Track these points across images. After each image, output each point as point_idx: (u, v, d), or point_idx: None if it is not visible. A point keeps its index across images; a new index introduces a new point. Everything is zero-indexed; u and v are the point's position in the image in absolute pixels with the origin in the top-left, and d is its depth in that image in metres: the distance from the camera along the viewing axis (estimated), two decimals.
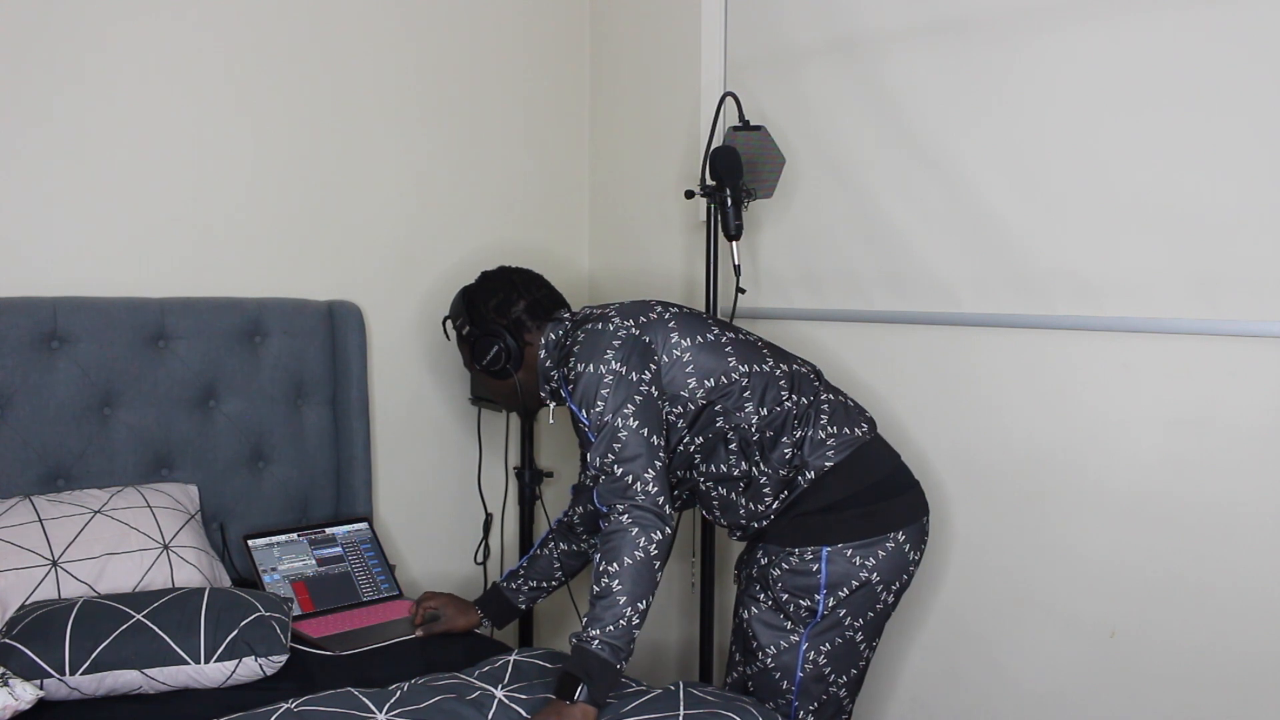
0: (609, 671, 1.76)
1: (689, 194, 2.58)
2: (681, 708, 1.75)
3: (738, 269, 2.45)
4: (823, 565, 1.91)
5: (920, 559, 2.02)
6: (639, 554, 1.79)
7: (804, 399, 1.99)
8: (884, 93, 2.49)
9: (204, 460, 2.51)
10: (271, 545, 2.48)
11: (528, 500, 3.01)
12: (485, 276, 2.21)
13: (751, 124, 2.51)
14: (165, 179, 2.54)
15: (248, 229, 2.67)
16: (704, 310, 2.10)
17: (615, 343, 1.93)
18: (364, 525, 2.64)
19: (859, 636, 1.95)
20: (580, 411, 1.92)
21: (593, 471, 1.90)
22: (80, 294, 2.40)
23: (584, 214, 3.32)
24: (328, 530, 2.58)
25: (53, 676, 1.85)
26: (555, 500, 3.26)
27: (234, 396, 2.56)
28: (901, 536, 1.94)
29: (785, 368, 2.02)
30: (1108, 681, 2.23)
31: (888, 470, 2.01)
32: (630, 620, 1.78)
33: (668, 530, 1.83)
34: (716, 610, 2.72)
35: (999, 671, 2.40)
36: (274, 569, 2.44)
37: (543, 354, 2.11)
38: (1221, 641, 2.07)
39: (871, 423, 2.07)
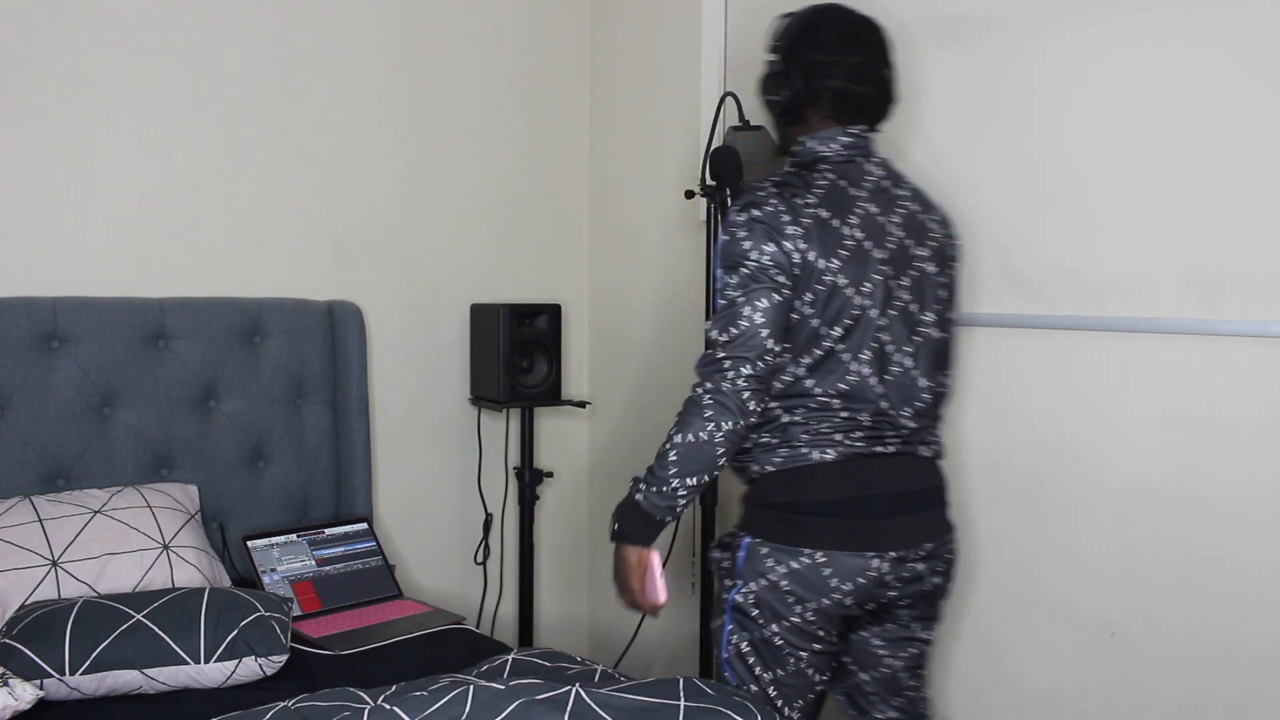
0: (646, 519, 1.85)
1: (689, 194, 2.58)
2: (682, 698, 1.75)
3: None
4: (741, 553, 1.88)
5: (849, 602, 1.85)
6: (703, 435, 1.79)
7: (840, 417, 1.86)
8: None
9: (204, 460, 2.51)
10: (271, 546, 2.49)
11: (528, 500, 3.01)
12: (823, 29, 1.92)
13: (751, 124, 2.51)
14: (165, 179, 2.54)
15: (248, 229, 2.67)
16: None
17: (798, 229, 1.81)
18: (364, 525, 2.64)
19: (778, 640, 1.87)
20: (718, 260, 1.87)
21: (705, 336, 1.87)
22: (80, 294, 2.41)
23: (584, 214, 3.32)
24: (327, 531, 2.58)
25: (53, 676, 1.85)
26: (554, 500, 3.27)
27: (234, 396, 2.56)
28: (821, 557, 1.83)
29: (862, 411, 1.85)
30: (1108, 681, 2.23)
31: (848, 494, 1.87)
32: (676, 491, 1.82)
33: (741, 424, 1.80)
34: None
35: (999, 670, 2.40)
36: (273, 569, 2.44)
37: (790, 159, 1.95)
38: (1222, 641, 2.07)
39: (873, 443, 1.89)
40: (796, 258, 1.80)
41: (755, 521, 1.89)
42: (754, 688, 1.92)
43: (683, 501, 1.84)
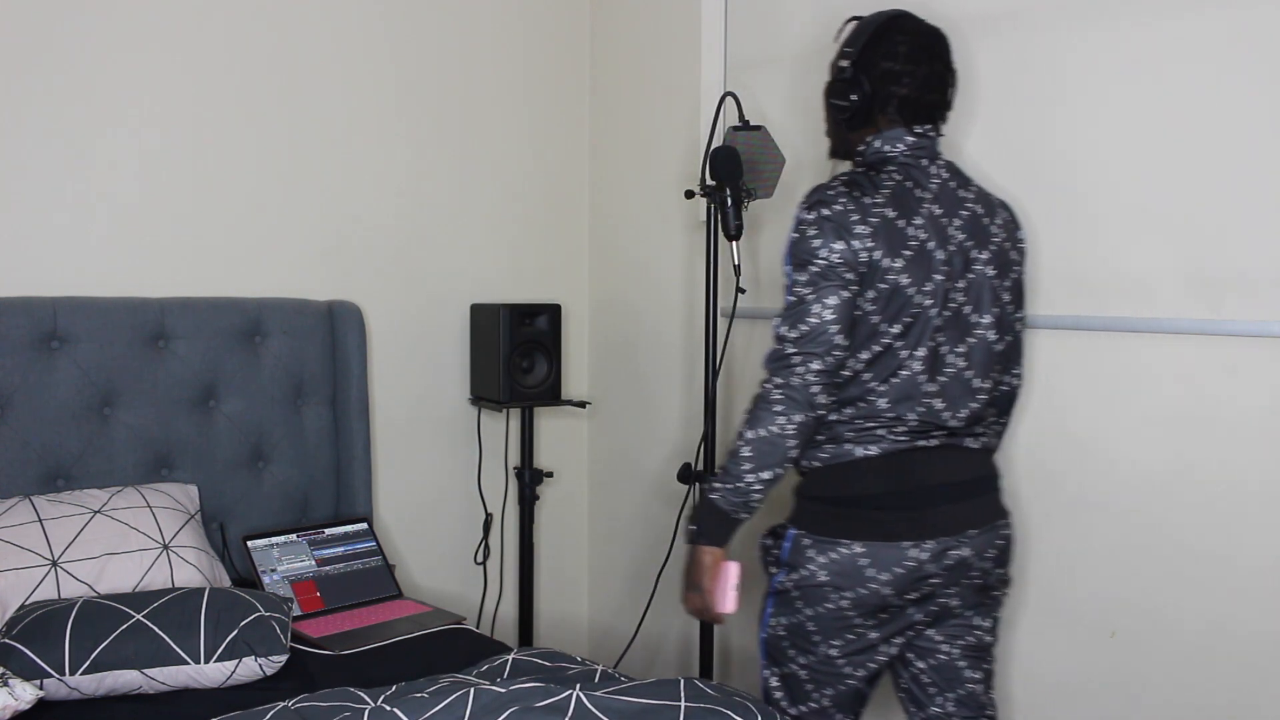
0: (721, 518, 1.89)
1: (689, 194, 2.58)
2: (683, 699, 1.76)
3: (738, 269, 2.45)
4: (787, 544, 1.95)
5: (887, 591, 1.86)
6: (774, 429, 1.83)
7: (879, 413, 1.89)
8: None
9: (204, 460, 2.51)
10: (271, 546, 2.49)
11: (528, 500, 3.01)
12: (895, 39, 1.94)
13: (751, 124, 2.51)
14: (165, 179, 2.54)
15: (248, 229, 2.67)
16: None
17: (865, 229, 1.84)
18: (364, 525, 2.64)
19: (811, 626, 1.93)
20: (787, 257, 1.89)
21: (772, 332, 1.89)
22: (80, 294, 2.41)
23: (584, 214, 3.32)
24: (327, 531, 2.58)
25: (53, 676, 1.85)
26: (554, 500, 3.27)
27: (234, 396, 2.56)
28: (859, 548, 1.87)
29: (909, 411, 1.88)
30: (1108, 681, 2.23)
31: (889, 487, 1.91)
32: (751, 486, 1.86)
33: (811, 417, 1.84)
34: None
35: (999, 670, 2.40)
36: (273, 569, 2.44)
37: (855, 159, 1.99)
38: (1223, 639, 2.07)
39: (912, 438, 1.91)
40: (864, 256, 1.84)
41: (801, 514, 1.96)
42: (786, 669, 1.98)
43: (757, 497, 1.87)
